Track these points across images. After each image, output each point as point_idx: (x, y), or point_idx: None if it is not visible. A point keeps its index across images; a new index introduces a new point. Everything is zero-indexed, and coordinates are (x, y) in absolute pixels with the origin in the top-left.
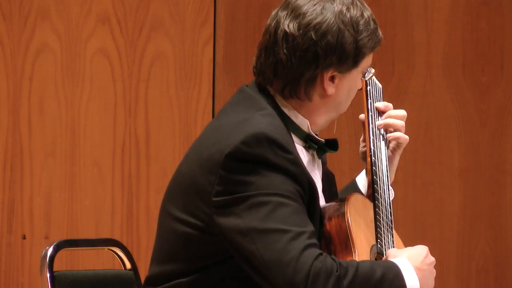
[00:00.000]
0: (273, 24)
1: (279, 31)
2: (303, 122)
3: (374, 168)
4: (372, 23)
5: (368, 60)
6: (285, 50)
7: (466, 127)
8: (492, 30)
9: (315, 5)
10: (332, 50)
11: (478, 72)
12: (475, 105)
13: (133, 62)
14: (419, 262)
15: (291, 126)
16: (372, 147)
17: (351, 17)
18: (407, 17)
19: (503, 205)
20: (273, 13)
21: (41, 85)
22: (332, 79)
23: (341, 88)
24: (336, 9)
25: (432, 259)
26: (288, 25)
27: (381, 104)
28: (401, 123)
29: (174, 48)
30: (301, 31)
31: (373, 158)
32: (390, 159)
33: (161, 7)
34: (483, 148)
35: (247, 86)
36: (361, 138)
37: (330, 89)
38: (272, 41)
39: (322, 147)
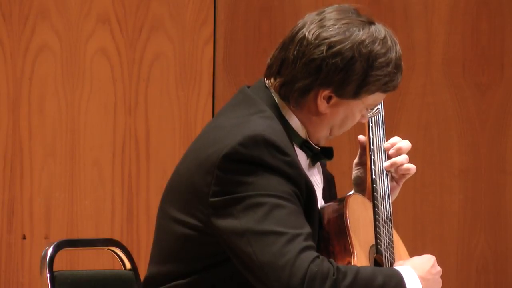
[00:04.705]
0: (301, 23)
1: (299, 32)
2: (299, 127)
3: (373, 167)
4: (392, 66)
5: (376, 98)
6: (295, 51)
7: (466, 127)
8: (492, 30)
9: (343, 24)
10: (336, 72)
11: (478, 72)
12: (475, 105)
13: (133, 62)
14: (423, 271)
15: (290, 130)
16: (371, 150)
17: (370, 51)
18: (407, 17)
19: (503, 205)
20: (308, 14)
21: (41, 85)
22: (328, 99)
23: (336, 112)
24: (359, 37)
25: (438, 268)
26: (310, 31)
27: (388, 145)
28: (406, 158)
29: (174, 48)
30: (316, 41)
31: (372, 157)
32: (393, 189)
33: (161, 7)
34: (483, 148)
35: (248, 87)
36: (355, 161)
37: (323, 107)
38: (291, 38)
39: (317, 154)
